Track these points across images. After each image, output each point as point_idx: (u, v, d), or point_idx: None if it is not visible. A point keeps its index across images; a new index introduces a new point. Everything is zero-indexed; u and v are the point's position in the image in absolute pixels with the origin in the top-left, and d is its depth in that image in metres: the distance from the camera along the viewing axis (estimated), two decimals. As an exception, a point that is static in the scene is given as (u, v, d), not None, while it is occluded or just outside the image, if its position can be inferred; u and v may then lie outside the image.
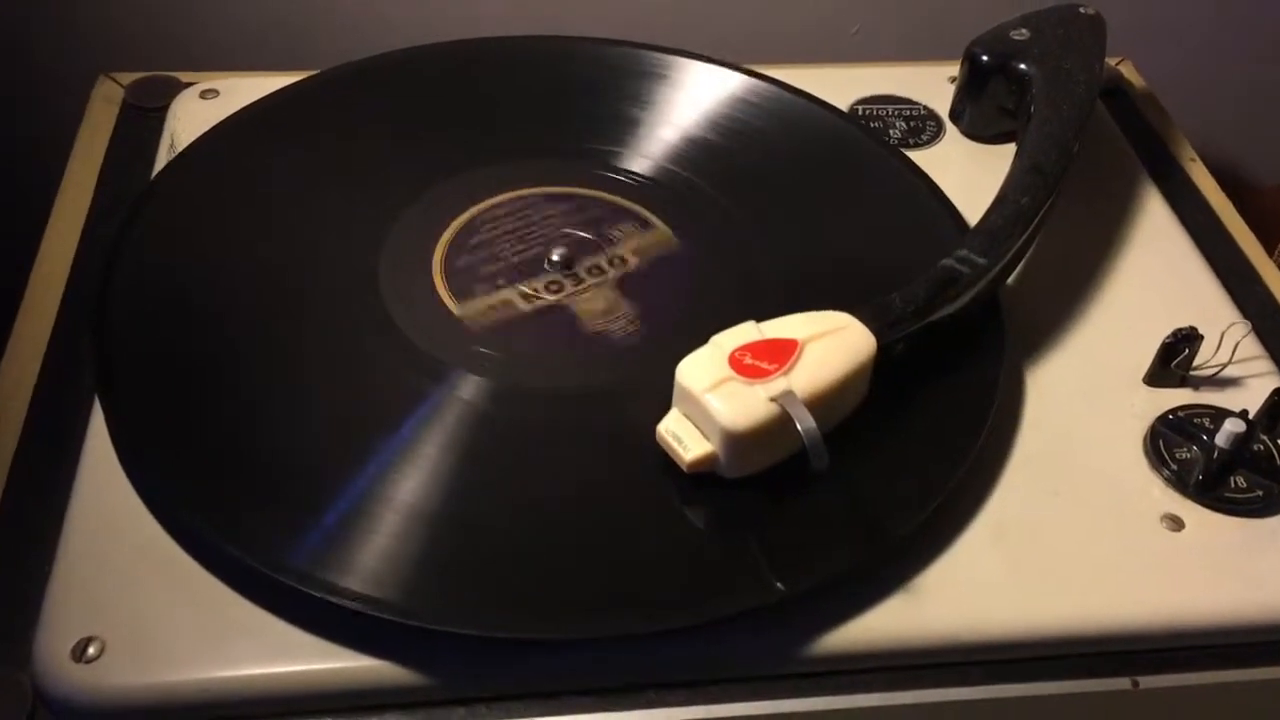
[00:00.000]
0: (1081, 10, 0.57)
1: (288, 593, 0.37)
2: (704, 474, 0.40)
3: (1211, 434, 0.44)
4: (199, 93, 0.56)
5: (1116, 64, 0.65)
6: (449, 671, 0.37)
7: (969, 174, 0.56)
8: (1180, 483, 0.43)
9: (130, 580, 0.38)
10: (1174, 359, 0.46)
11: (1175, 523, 0.42)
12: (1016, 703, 0.39)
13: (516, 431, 0.42)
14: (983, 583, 0.40)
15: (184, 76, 0.58)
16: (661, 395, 0.41)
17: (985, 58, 0.56)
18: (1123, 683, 0.39)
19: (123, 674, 0.36)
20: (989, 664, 0.39)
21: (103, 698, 0.36)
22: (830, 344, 0.41)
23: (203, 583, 0.38)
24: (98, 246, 0.50)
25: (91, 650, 0.36)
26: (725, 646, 0.38)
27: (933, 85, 0.61)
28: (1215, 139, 0.61)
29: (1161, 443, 0.45)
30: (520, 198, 0.51)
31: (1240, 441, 0.43)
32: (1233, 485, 0.43)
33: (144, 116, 0.56)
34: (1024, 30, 0.56)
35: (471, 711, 0.37)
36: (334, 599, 0.36)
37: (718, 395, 0.39)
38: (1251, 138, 0.83)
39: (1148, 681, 0.39)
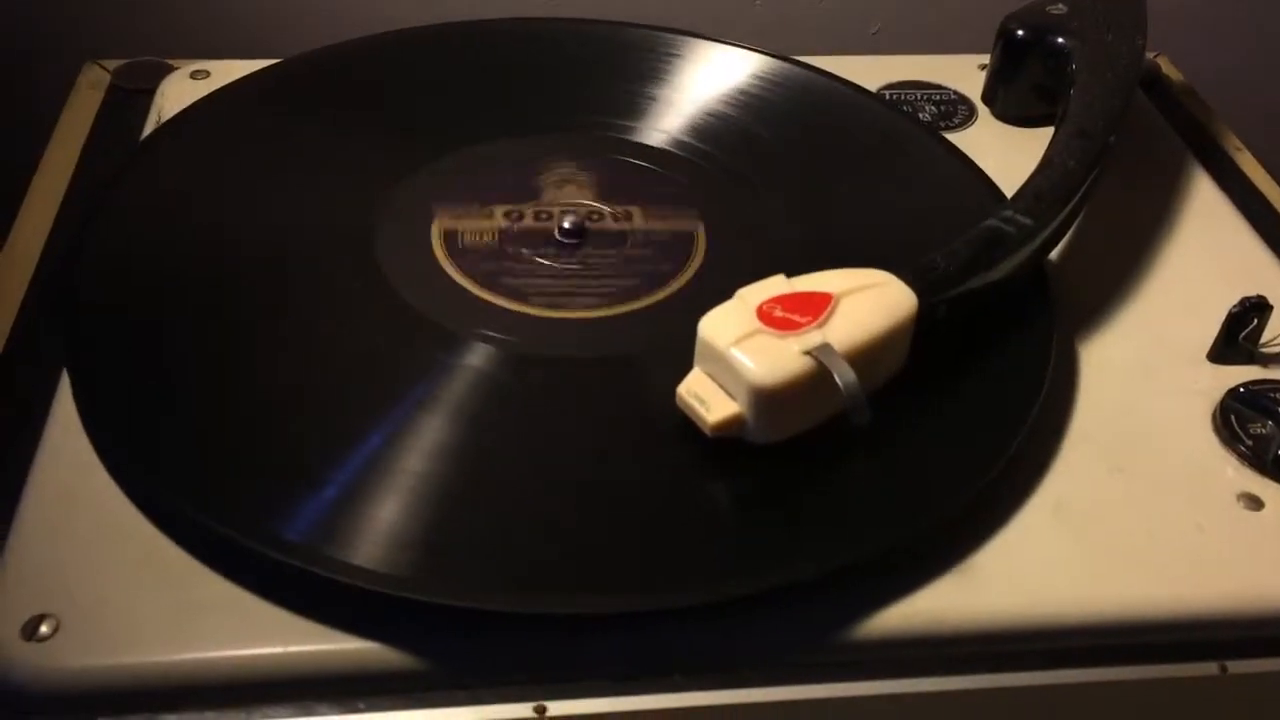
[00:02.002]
0: (1120, -13, 0.54)
1: (272, 568, 0.33)
2: (730, 440, 0.36)
3: (1288, 407, 0.40)
4: (189, 73, 0.53)
5: (1154, 58, 0.62)
6: (452, 651, 0.33)
7: (1004, 156, 0.52)
8: (1257, 460, 0.39)
9: (91, 555, 0.34)
10: (1242, 330, 0.42)
11: (1254, 502, 0.38)
12: (1093, 689, 0.34)
13: (531, 396, 0.39)
14: (1046, 562, 0.36)
15: (174, 62, 0.55)
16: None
17: (1021, 33, 0.53)
18: (1210, 668, 0.34)
19: (78, 654, 0.32)
20: (1054, 650, 0.35)
21: (55, 680, 0.32)
22: (868, 298, 0.37)
23: (172, 558, 0.34)
24: (76, 212, 0.46)
25: (44, 629, 0.32)
26: (754, 629, 0.34)
27: (963, 72, 0.58)
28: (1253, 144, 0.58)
29: (1234, 418, 0.40)
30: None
31: (1322, 414, 0.39)
32: (1314, 462, 0.39)
33: (131, 99, 0.53)
34: (1061, 5, 0.53)
35: (473, 695, 0.33)
36: (335, 575, 0.32)
37: (745, 349, 0.35)
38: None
39: (1236, 666, 0.34)
